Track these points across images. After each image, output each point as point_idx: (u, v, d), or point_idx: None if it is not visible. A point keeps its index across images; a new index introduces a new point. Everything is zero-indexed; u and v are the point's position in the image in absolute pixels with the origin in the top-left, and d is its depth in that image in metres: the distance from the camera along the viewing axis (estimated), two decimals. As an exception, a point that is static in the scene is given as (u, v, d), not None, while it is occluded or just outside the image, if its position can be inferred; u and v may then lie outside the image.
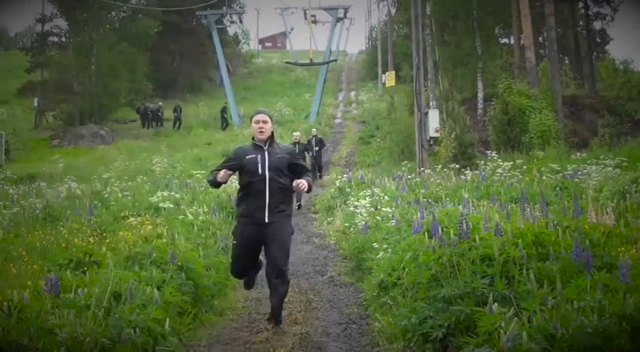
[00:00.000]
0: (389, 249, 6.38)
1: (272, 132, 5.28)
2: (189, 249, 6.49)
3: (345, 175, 15.54)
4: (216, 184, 5.19)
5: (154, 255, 5.71)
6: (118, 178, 14.60)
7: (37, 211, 9.84)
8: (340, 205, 11.77)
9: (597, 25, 36.85)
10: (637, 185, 8.30)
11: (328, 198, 13.72)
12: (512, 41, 33.30)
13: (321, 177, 18.58)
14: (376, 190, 10.90)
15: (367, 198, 10.23)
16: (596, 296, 3.37)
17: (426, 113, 15.54)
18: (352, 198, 11.56)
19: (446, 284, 4.28)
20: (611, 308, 3.26)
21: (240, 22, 53.03)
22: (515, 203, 7.75)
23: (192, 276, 5.77)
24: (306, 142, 17.48)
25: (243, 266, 5.44)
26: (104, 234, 7.57)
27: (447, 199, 8.70)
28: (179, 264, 5.63)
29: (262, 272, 5.54)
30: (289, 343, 4.98)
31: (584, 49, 33.18)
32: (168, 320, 4.53)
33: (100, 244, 6.62)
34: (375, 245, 7.00)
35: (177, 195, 10.48)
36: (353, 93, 43.80)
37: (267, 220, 5.07)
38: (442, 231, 4.78)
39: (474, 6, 25.24)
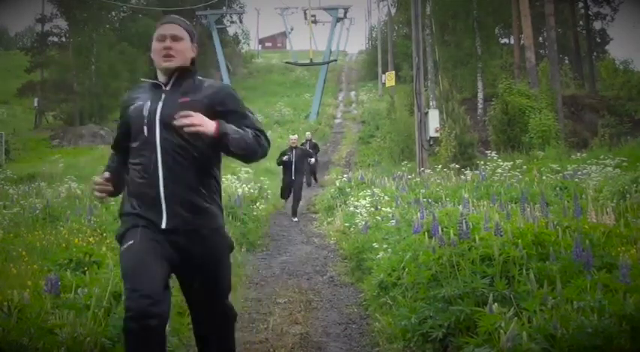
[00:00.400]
0: (389, 249, 6.38)
1: (192, 60, 2.95)
2: (189, 249, 6.48)
3: (345, 175, 15.54)
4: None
5: (154, 254, 5.70)
6: (118, 178, 14.58)
7: (37, 211, 9.83)
8: (340, 205, 11.77)
9: (597, 25, 36.94)
10: (637, 185, 8.30)
11: (328, 198, 13.72)
12: (512, 41, 33.35)
13: (316, 180, 18.57)
14: (376, 190, 10.90)
15: (367, 198, 10.23)
16: (596, 296, 3.37)
17: (426, 113, 15.55)
18: (352, 198, 11.56)
19: (446, 284, 4.28)
20: (611, 308, 3.26)
21: (240, 22, 53.17)
22: (515, 203, 7.75)
23: (192, 276, 5.76)
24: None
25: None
26: (104, 234, 7.57)
27: (447, 199, 8.70)
28: (179, 264, 5.63)
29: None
30: (289, 343, 4.99)
31: (584, 49, 33.20)
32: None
33: (100, 244, 6.62)
34: (375, 245, 6.99)
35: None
36: (353, 93, 43.82)
37: (164, 226, 2.75)
38: (442, 231, 4.77)
39: (474, 6, 25.26)
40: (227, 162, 15.48)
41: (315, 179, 18.63)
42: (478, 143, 18.73)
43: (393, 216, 7.60)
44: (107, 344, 3.86)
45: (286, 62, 37.08)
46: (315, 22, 37.13)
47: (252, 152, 2.78)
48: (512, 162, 12.38)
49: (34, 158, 25.13)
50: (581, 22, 34.53)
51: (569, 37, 34.59)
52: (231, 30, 51.76)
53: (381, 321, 5.09)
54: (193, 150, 2.75)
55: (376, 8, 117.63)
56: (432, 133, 15.44)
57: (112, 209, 9.95)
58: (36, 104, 32.97)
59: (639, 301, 3.26)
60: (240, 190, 11.47)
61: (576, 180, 10.26)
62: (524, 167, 12.83)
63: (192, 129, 2.57)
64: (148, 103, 2.82)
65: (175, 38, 2.87)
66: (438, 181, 12.03)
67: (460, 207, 6.34)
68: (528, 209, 5.44)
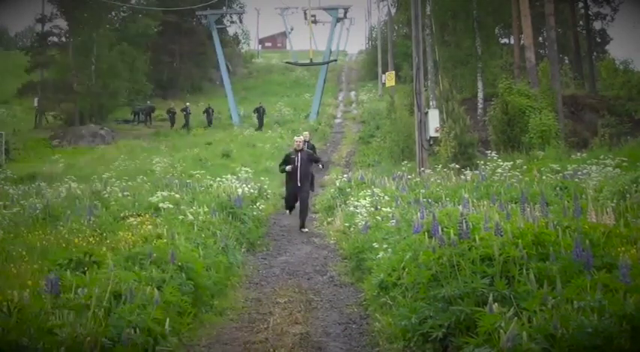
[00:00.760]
0: (389, 249, 6.38)
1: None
2: (189, 249, 6.49)
3: (345, 175, 15.53)
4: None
5: (154, 255, 5.70)
6: (118, 178, 14.59)
7: (37, 211, 9.83)
8: (340, 205, 11.77)
9: (597, 25, 36.91)
10: (637, 185, 8.30)
11: (328, 198, 13.72)
12: (512, 41, 33.32)
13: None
14: (376, 190, 10.90)
15: (367, 198, 10.22)
16: (596, 296, 3.38)
17: (426, 113, 15.54)
18: (352, 198, 11.56)
19: (446, 284, 4.28)
20: (611, 308, 3.26)
21: (240, 22, 53.11)
22: (515, 203, 7.75)
23: (192, 276, 5.77)
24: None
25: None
26: (104, 234, 7.57)
27: (447, 199, 8.70)
28: (179, 264, 5.63)
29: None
30: (289, 343, 4.99)
31: (584, 49, 33.18)
32: (168, 320, 4.53)
33: (100, 244, 6.62)
34: (375, 245, 7.00)
35: (177, 195, 10.48)
36: (353, 93, 43.83)
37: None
38: (442, 231, 4.78)
39: (474, 6, 25.24)
40: (227, 163, 15.53)
41: (313, 187, 15.22)
42: (478, 143, 18.71)
43: (393, 216, 7.60)
44: (107, 344, 3.86)
45: (286, 62, 37.07)
46: (315, 22, 37.12)
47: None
48: (512, 162, 12.38)
49: (34, 158, 25.12)
50: (581, 22, 34.50)
51: (569, 37, 34.56)
52: (231, 30, 51.87)
53: (381, 321, 5.09)
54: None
55: (376, 8, 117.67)
56: (432, 133, 15.43)
57: (112, 209, 9.96)
58: (36, 104, 32.94)
59: (639, 301, 3.26)
60: (240, 190, 11.45)
61: (576, 180, 10.26)
62: (524, 167, 12.82)
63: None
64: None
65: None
66: (438, 181, 12.03)
67: (460, 207, 6.34)
68: (528, 209, 5.44)
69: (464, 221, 4.49)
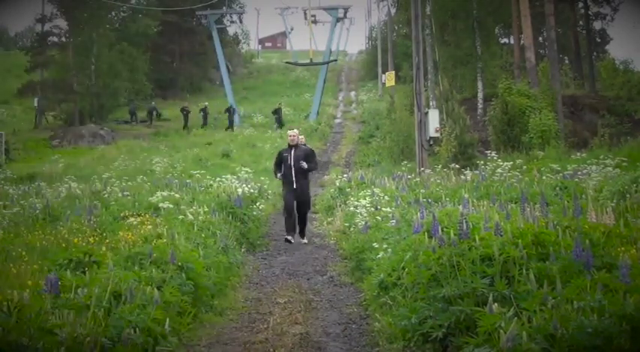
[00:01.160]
0: (389, 249, 6.38)
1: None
2: (189, 249, 6.49)
3: (345, 175, 15.53)
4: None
5: (154, 255, 5.70)
6: (118, 178, 14.59)
7: (37, 211, 9.83)
8: (340, 205, 11.77)
9: (597, 25, 36.90)
10: (637, 185, 8.31)
11: (328, 198, 13.72)
12: (512, 41, 33.34)
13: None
14: (376, 190, 10.90)
15: (367, 198, 10.22)
16: (596, 296, 3.38)
17: (426, 113, 15.54)
18: (352, 198, 11.56)
19: (446, 284, 4.28)
20: (611, 308, 3.26)
21: (240, 22, 53.21)
22: (515, 203, 7.76)
23: (192, 276, 5.77)
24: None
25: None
26: (104, 234, 7.57)
27: (447, 199, 8.70)
28: (179, 264, 5.63)
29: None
30: (289, 343, 4.99)
31: (584, 49, 33.17)
32: (168, 320, 4.53)
33: (100, 244, 6.62)
34: (375, 245, 7.00)
35: (177, 195, 10.49)
36: (353, 93, 43.85)
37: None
38: (442, 231, 4.78)
39: (473, 6, 25.24)
40: (226, 163, 15.56)
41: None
42: (478, 143, 18.72)
43: (393, 216, 7.60)
44: (107, 344, 3.86)
45: (286, 62, 37.08)
46: (315, 22, 37.12)
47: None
48: (512, 162, 12.38)
49: (34, 158, 25.11)
50: (581, 22, 34.48)
51: (569, 37, 34.55)
52: (231, 30, 51.86)
53: (381, 321, 5.09)
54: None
55: (376, 8, 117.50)
56: (432, 133, 15.43)
57: (112, 209, 9.97)
58: (36, 104, 32.92)
59: (639, 301, 3.26)
60: (240, 190, 11.44)
61: (576, 180, 10.26)
62: (524, 167, 12.82)
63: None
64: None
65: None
66: (438, 181, 12.03)
67: (460, 207, 6.34)
68: (528, 209, 5.44)
69: (464, 221, 4.49)
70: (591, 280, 3.66)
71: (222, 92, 35.59)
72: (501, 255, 4.24)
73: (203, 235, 7.94)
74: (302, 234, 10.34)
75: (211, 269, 6.63)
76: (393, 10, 37.65)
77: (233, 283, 7.23)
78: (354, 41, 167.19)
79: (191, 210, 9.00)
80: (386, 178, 12.82)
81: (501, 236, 4.33)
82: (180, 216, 8.64)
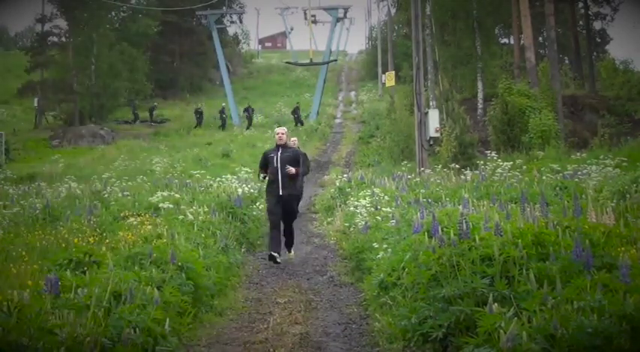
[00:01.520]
0: (389, 249, 6.38)
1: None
2: (189, 249, 6.49)
3: (345, 175, 15.53)
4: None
5: (154, 255, 5.70)
6: (118, 178, 14.59)
7: (37, 211, 9.83)
8: (340, 205, 11.76)
9: (597, 25, 36.94)
10: (637, 185, 8.31)
11: (328, 198, 13.71)
12: (512, 41, 33.36)
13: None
14: (376, 190, 10.89)
15: (367, 198, 10.22)
16: (596, 296, 3.37)
17: (426, 113, 15.54)
18: (352, 198, 11.55)
19: (446, 284, 4.28)
20: (611, 308, 3.26)
21: (240, 22, 53.11)
22: (515, 203, 7.75)
23: (192, 276, 5.77)
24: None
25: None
26: (104, 234, 7.57)
27: (447, 199, 8.70)
28: (179, 264, 5.63)
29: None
30: (289, 343, 4.99)
31: (584, 49, 33.17)
32: (168, 320, 4.53)
33: (100, 244, 6.62)
34: (375, 245, 7.00)
35: (177, 195, 10.49)
36: (353, 93, 43.85)
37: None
38: (442, 231, 4.78)
39: (473, 6, 25.25)
40: (226, 163, 15.56)
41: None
42: (478, 143, 18.72)
43: (393, 216, 7.60)
44: (107, 344, 3.86)
45: (286, 62, 37.08)
46: (315, 22, 37.09)
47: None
48: (512, 162, 12.37)
49: (34, 158, 25.12)
50: (581, 22, 34.48)
51: (569, 37, 34.55)
52: (231, 30, 51.91)
53: (381, 321, 5.09)
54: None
55: (376, 8, 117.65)
56: (432, 133, 15.43)
57: (112, 209, 9.97)
58: (36, 104, 32.94)
59: (639, 301, 3.26)
60: (240, 190, 11.44)
61: (576, 180, 10.25)
62: (524, 167, 12.82)
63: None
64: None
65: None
66: (438, 181, 12.02)
67: (460, 207, 6.34)
68: (528, 209, 5.44)
69: (464, 221, 4.49)
70: (591, 280, 3.66)
71: (222, 92, 35.59)
72: (501, 255, 4.23)
73: (203, 235, 7.94)
74: (289, 247, 9.06)
75: (211, 269, 6.63)
76: (392, 10, 37.67)
77: (233, 283, 7.23)
78: (354, 41, 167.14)
79: (191, 210, 9.00)
80: (386, 178, 12.82)
81: (501, 236, 4.33)
82: (180, 216, 8.64)
